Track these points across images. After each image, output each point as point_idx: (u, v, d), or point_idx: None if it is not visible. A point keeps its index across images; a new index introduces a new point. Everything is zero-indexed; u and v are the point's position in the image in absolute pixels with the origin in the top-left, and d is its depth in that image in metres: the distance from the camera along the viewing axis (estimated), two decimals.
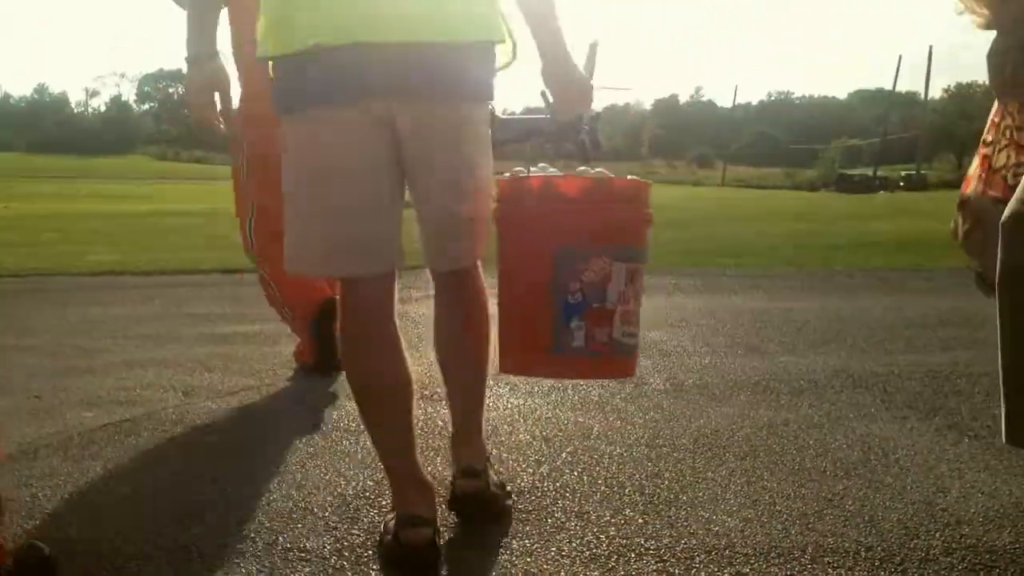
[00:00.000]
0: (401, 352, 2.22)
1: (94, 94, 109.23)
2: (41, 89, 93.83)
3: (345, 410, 3.40)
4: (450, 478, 2.48)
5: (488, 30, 2.12)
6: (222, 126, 2.43)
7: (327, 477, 2.74)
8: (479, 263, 2.35)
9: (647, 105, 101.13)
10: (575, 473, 2.76)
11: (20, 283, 6.80)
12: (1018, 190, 1.55)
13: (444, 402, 3.47)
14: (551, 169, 2.22)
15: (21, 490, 2.68)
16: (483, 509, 2.40)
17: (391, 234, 2.16)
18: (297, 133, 2.09)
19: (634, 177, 2.23)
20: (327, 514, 2.46)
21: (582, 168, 2.23)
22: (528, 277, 2.13)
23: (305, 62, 1.99)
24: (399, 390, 2.22)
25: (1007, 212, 1.55)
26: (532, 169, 2.19)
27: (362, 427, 3.10)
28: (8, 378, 3.97)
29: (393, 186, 2.14)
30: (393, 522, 2.17)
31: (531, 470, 2.80)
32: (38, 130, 72.02)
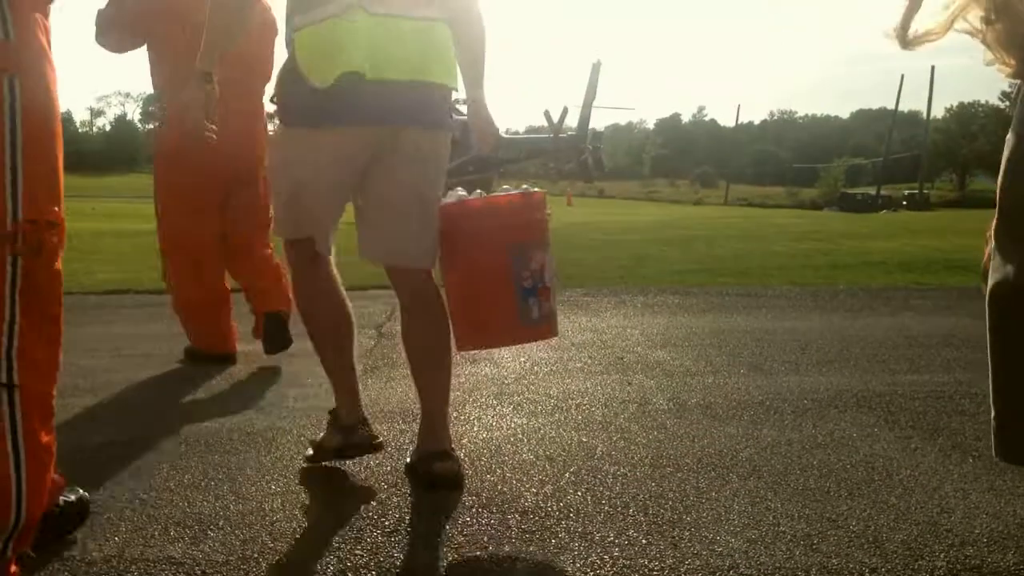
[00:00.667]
0: (337, 295, 2.91)
1: (98, 114, 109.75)
2: None
3: None
4: (411, 459, 2.92)
5: (454, 78, 2.77)
6: (214, 137, 2.73)
7: (330, 498, 2.74)
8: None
9: (650, 124, 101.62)
10: (579, 493, 2.76)
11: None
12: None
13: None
14: (479, 191, 2.89)
15: None
16: (459, 487, 2.78)
17: (336, 217, 2.86)
18: (298, 141, 2.71)
19: (536, 189, 2.89)
20: (330, 535, 2.46)
21: (506, 186, 2.94)
22: (489, 273, 2.75)
23: (328, 90, 2.55)
24: (341, 323, 2.93)
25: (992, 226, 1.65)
26: (461, 193, 2.85)
27: None
28: None
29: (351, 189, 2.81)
30: (339, 428, 2.91)
31: (535, 490, 2.79)
32: None
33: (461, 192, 2.87)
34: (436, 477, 2.75)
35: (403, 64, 2.59)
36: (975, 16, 1.71)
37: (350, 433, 2.90)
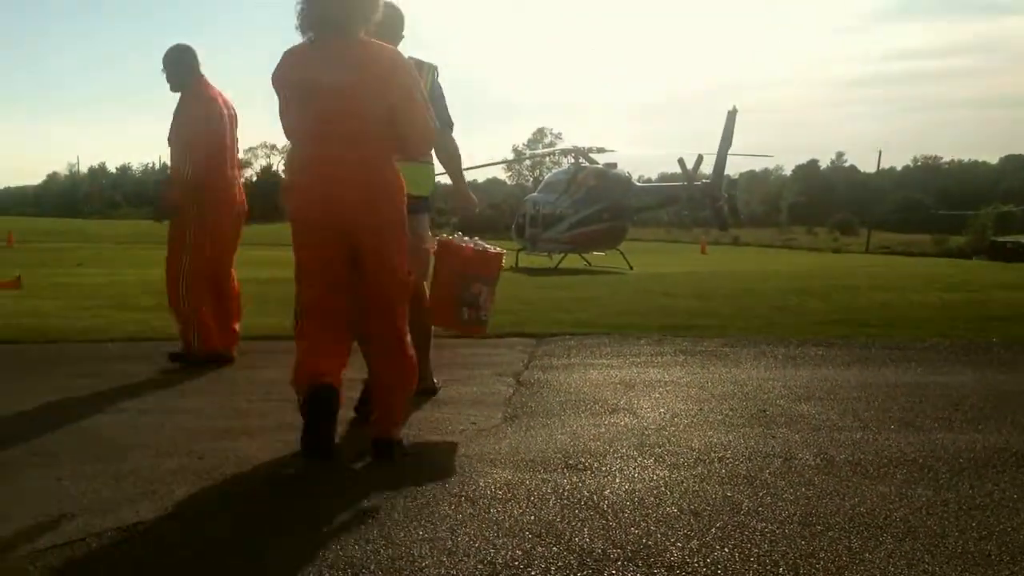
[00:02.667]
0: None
1: (246, 164, 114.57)
2: None
3: (492, 478, 3.44)
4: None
5: (427, 189, 4.86)
6: None
7: (476, 545, 2.77)
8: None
9: (786, 171, 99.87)
10: (726, 550, 2.72)
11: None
12: None
13: (588, 471, 3.50)
14: (476, 239, 4.70)
15: (187, 548, 2.80)
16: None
17: None
18: None
19: (499, 248, 4.74)
20: None
21: (477, 239, 4.70)
22: (447, 290, 4.55)
23: None
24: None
25: None
26: (457, 235, 4.71)
27: (510, 496, 3.16)
28: (173, 439, 4.15)
29: None
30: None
31: (680, 544, 2.76)
32: None
33: (458, 236, 4.68)
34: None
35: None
36: None
37: None
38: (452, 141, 4.92)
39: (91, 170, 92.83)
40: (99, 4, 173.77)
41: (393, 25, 4.57)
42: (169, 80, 6.20)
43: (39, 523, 3.02)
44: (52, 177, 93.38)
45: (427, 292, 4.71)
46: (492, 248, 4.69)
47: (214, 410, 4.76)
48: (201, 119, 6.09)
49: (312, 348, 3.81)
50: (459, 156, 5.00)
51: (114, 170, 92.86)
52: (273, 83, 3.92)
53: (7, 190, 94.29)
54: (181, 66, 6.17)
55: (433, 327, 4.92)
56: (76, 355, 6.64)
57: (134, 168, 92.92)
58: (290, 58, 3.88)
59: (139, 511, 3.13)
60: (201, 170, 6.07)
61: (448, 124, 4.87)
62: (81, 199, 73.95)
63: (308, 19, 3.76)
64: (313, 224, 3.85)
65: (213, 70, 6.29)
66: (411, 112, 3.82)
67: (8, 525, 3.00)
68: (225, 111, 6.17)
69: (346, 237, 3.80)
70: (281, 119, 3.99)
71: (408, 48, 4.38)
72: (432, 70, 4.84)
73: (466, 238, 4.66)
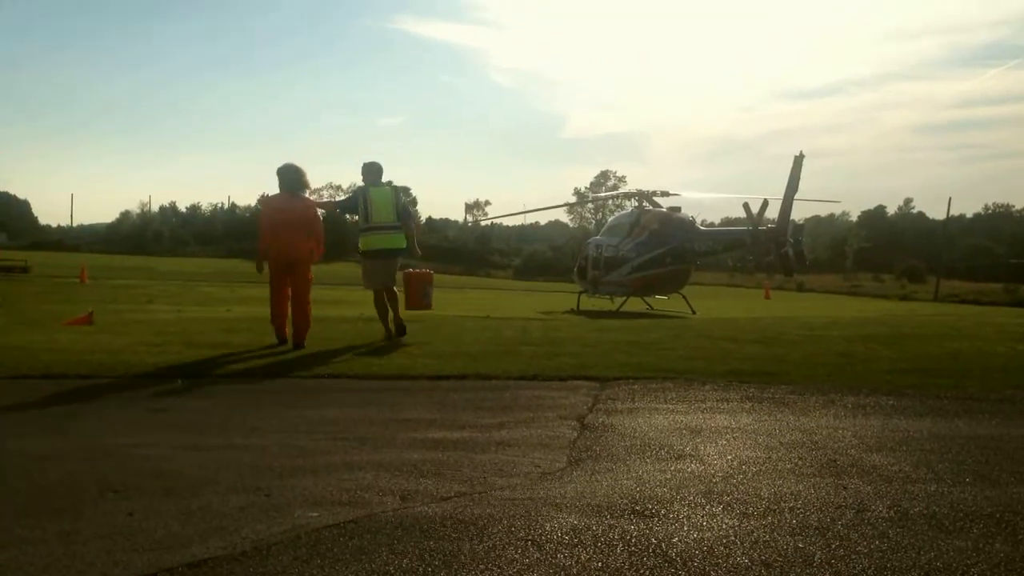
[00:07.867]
0: (385, 304, 11.34)
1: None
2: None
3: (559, 523, 3.41)
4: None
5: (403, 244, 11.33)
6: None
7: None
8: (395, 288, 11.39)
9: (853, 216, 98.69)
10: None
11: (249, 383, 7.21)
12: None
13: (656, 518, 3.46)
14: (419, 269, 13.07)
15: None
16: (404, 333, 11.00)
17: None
18: (365, 261, 11.42)
19: (427, 270, 13.36)
20: None
21: (414, 266, 13.50)
22: (416, 290, 12.58)
23: (372, 253, 11.27)
24: (387, 310, 11.35)
25: None
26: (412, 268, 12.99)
27: (577, 541, 3.13)
28: (239, 475, 4.19)
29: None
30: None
31: None
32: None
33: (413, 268, 12.83)
34: (400, 331, 10.82)
35: (385, 243, 11.08)
36: None
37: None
38: (410, 225, 11.09)
39: (162, 209, 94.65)
40: (174, 52, 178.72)
41: (377, 172, 11.02)
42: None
43: (111, 558, 3.06)
44: (125, 215, 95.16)
45: (397, 292, 11.03)
46: (428, 270, 12.68)
47: (281, 447, 4.80)
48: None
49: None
50: (413, 232, 11.10)
51: (184, 209, 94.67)
52: (263, 207, 10.73)
53: (80, 227, 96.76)
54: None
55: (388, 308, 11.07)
56: (146, 390, 6.76)
57: (203, 208, 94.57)
58: (272, 199, 10.37)
59: (208, 547, 3.16)
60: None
61: (410, 216, 11.20)
62: (150, 237, 75.68)
63: (283, 183, 10.20)
64: (280, 262, 10.04)
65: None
66: (317, 226, 10.34)
67: (81, 559, 3.05)
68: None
69: (290, 266, 10.04)
70: (262, 221, 10.26)
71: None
72: (406, 190, 11.61)
73: (414, 269, 11.99)
